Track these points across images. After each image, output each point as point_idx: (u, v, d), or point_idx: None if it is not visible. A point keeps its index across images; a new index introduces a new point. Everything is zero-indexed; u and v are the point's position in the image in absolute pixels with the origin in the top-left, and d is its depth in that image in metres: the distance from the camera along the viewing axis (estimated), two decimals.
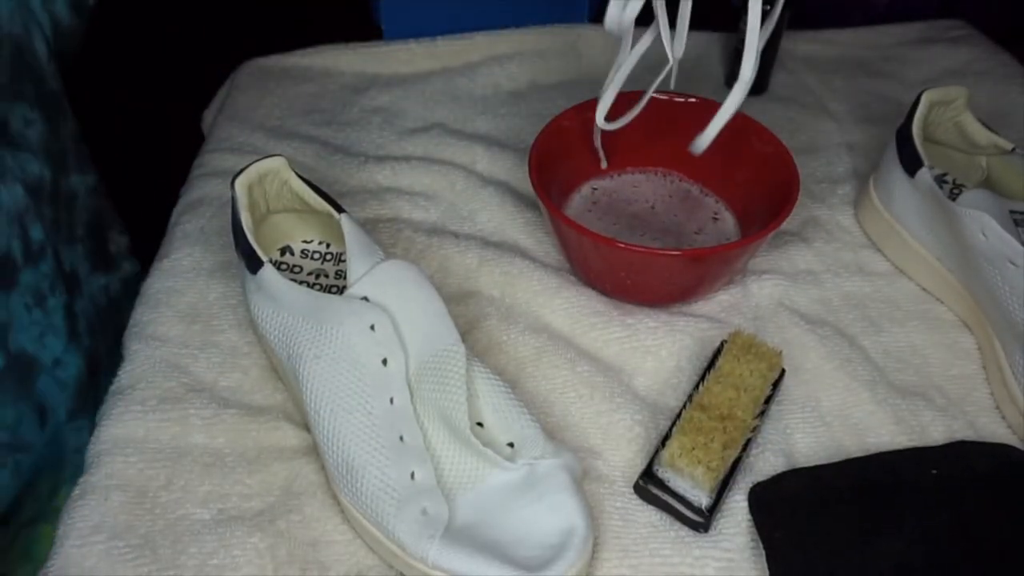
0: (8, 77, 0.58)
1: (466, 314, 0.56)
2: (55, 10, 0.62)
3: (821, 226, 0.64)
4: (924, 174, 0.56)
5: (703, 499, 0.45)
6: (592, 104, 0.61)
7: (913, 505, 0.45)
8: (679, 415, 0.49)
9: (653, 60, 0.55)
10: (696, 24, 0.58)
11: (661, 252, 0.54)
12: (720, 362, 0.50)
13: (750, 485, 0.47)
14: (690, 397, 0.49)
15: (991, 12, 0.89)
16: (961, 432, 0.51)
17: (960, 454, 0.48)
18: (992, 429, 0.51)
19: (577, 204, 0.62)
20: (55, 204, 0.65)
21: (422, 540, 0.41)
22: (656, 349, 0.55)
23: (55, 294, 0.61)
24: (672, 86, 0.57)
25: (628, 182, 0.64)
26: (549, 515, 0.42)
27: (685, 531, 0.46)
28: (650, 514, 0.47)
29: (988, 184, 0.60)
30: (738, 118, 0.60)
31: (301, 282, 0.54)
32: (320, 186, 0.53)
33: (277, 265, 0.55)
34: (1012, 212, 0.54)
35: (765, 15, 0.72)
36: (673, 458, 0.45)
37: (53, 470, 0.61)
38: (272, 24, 0.87)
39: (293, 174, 0.53)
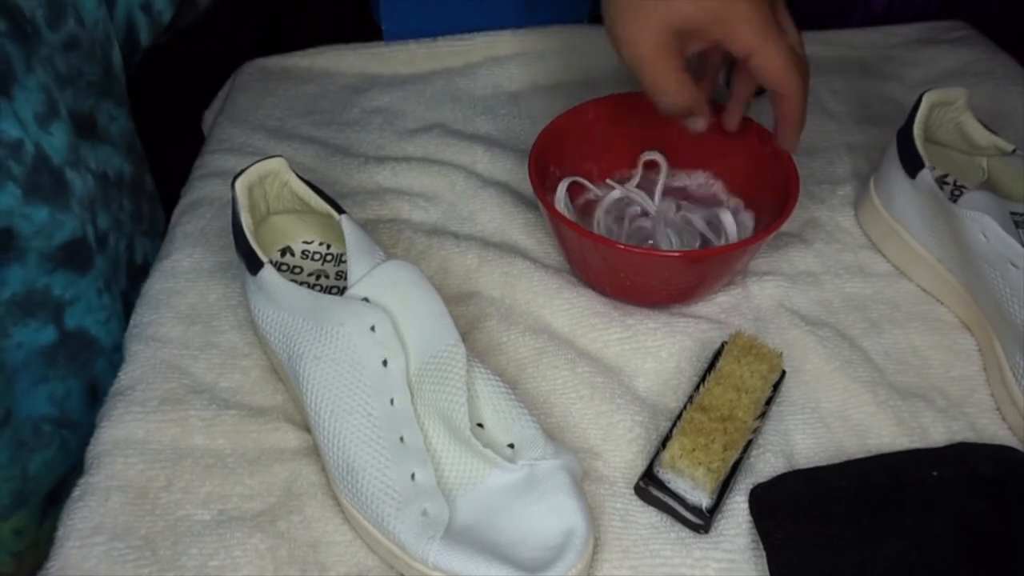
0: (99, 74, 0.61)
1: (466, 315, 0.56)
2: (135, 20, 0.65)
3: (821, 227, 0.64)
4: (925, 175, 0.56)
5: (704, 500, 0.45)
6: (592, 105, 0.61)
7: (913, 507, 0.45)
8: (679, 416, 0.49)
9: None
10: None
11: (661, 253, 0.54)
12: (720, 363, 0.50)
13: (751, 486, 0.47)
14: (690, 398, 0.49)
15: (991, 12, 0.89)
16: (962, 434, 0.51)
17: (961, 456, 0.48)
18: (993, 431, 0.51)
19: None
20: (136, 196, 0.67)
21: (423, 541, 0.41)
22: (656, 350, 0.55)
23: (118, 282, 0.63)
24: None
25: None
26: (549, 516, 0.42)
27: (686, 532, 0.46)
28: (650, 515, 0.47)
29: (989, 185, 0.60)
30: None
31: (301, 283, 0.54)
32: (320, 187, 0.53)
33: (277, 266, 0.55)
34: (1013, 214, 0.54)
35: None
36: (674, 459, 0.45)
37: None
38: (272, 24, 0.87)
39: (293, 175, 0.53)
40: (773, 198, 0.56)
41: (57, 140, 0.54)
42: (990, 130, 0.59)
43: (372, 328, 0.45)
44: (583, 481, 0.46)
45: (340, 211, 0.51)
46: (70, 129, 0.55)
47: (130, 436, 0.49)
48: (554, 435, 0.49)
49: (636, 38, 0.48)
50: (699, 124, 0.53)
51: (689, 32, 0.48)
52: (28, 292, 0.55)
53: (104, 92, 0.62)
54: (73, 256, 0.57)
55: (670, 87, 0.49)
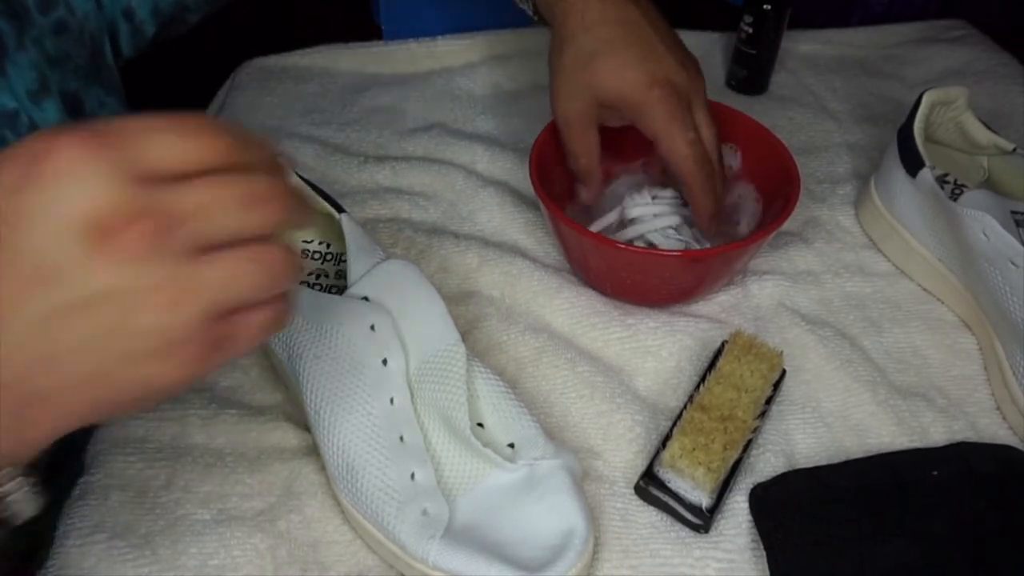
0: (86, 59, 0.61)
1: (466, 314, 0.56)
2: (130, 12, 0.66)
3: (822, 226, 0.64)
4: (925, 174, 0.56)
5: (704, 500, 0.45)
6: None
7: (914, 506, 0.45)
8: (680, 416, 0.48)
9: None
10: (697, 24, 0.59)
11: (661, 253, 0.54)
12: (721, 363, 0.50)
13: (751, 486, 0.47)
14: (691, 398, 0.49)
15: (991, 12, 0.89)
16: (962, 433, 0.51)
17: (961, 455, 0.48)
18: (993, 430, 0.51)
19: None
20: None
21: (423, 540, 0.41)
22: (656, 349, 0.55)
23: None
24: None
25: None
26: (549, 516, 0.42)
27: (686, 532, 0.46)
28: (651, 515, 0.47)
29: (989, 184, 0.60)
30: (739, 118, 0.60)
31: (301, 282, 0.54)
32: (320, 186, 0.53)
33: None
34: (1013, 212, 0.54)
35: (765, 15, 0.72)
36: (674, 459, 0.45)
37: None
38: (272, 24, 0.87)
39: (293, 174, 0.53)
40: (773, 197, 0.56)
41: (49, 115, 0.54)
42: (990, 129, 0.59)
43: (372, 327, 0.45)
44: (583, 481, 0.46)
45: (340, 210, 0.50)
46: (61, 107, 0.55)
47: (129, 435, 0.49)
48: (554, 435, 0.49)
49: (567, 104, 0.55)
50: (584, 194, 0.59)
51: (609, 106, 0.54)
52: None
53: (92, 77, 0.63)
54: None
55: (579, 149, 0.56)
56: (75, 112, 0.60)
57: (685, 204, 0.58)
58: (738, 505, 0.47)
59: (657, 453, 0.47)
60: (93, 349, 0.27)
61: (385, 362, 0.45)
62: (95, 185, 0.25)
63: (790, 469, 0.48)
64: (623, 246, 0.52)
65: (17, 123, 0.52)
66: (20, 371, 0.27)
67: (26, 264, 0.26)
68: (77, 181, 0.25)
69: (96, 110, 0.64)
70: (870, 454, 0.49)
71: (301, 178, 0.53)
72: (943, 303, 0.59)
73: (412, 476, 0.43)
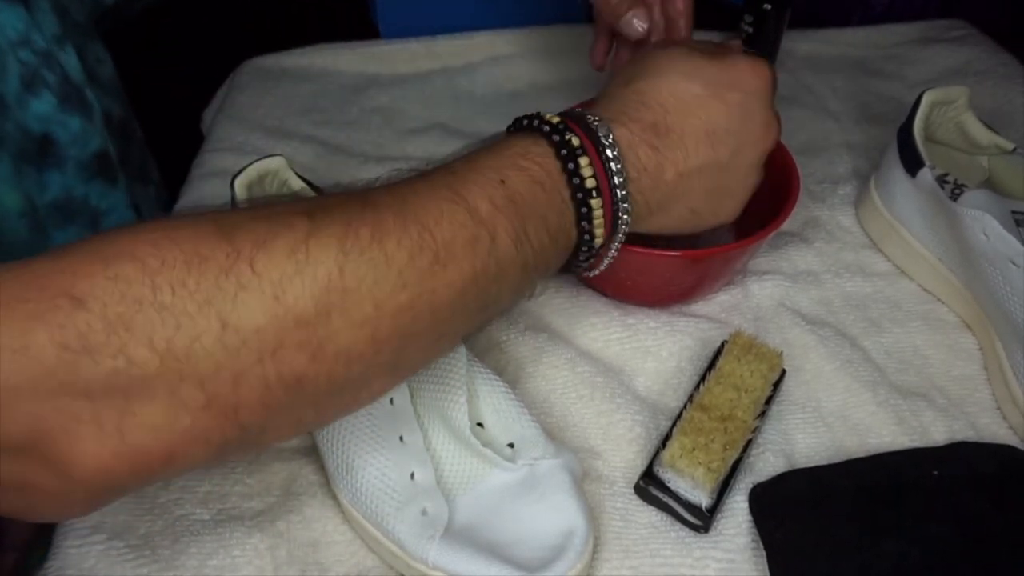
0: (85, 17, 0.63)
1: None
2: None
3: (822, 226, 0.64)
4: (925, 174, 0.56)
5: (703, 500, 0.45)
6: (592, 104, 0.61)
7: (914, 506, 0.45)
8: (679, 416, 0.48)
9: None
10: (697, 24, 0.59)
11: (661, 253, 0.54)
12: (721, 363, 0.50)
13: (751, 486, 0.47)
14: (691, 398, 0.49)
15: (991, 12, 0.89)
16: (962, 433, 0.51)
17: (961, 455, 0.48)
18: (993, 430, 0.51)
19: None
20: (124, 139, 0.69)
21: (422, 540, 0.41)
22: (656, 349, 0.55)
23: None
24: None
25: None
26: (549, 516, 0.42)
27: (686, 532, 0.46)
28: (650, 515, 0.46)
29: (989, 184, 0.60)
30: None
31: None
32: (320, 186, 0.53)
33: None
34: (1013, 212, 0.54)
35: (766, 15, 0.72)
36: (674, 459, 0.45)
37: None
38: (272, 24, 0.87)
39: (292, 174, 0.53)
40: (773, 197, 0.56)
41: (72, 60, 0.56)
42: (991, 129, 0.59)
43: None
44: (583, 481, 0.46)
45: None
46: (77, 55, 0.57)
47: None
48: (554, 435, 0.49)
49: None
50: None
51: None
52: (67, 199, 0.57)
53: (89, 34, 0.63)
54: (104, 168, 0.59)
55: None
56: (83, 61, 0.62)
57: None
58: (738, 505, 0.47)
59: (657, 453, 0.47)
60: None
61: None
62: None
63: (790, 469, 0.48)
64: (623, 246, 0.52)
65: (52, 62, 0.54)
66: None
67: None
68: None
69: (95, 66, 0.65)
70: (870, 454, 0.49)
71: (301, 178, 0.53)
72: (943, 303, 0.59)
73: (412, 476, 0.43)
